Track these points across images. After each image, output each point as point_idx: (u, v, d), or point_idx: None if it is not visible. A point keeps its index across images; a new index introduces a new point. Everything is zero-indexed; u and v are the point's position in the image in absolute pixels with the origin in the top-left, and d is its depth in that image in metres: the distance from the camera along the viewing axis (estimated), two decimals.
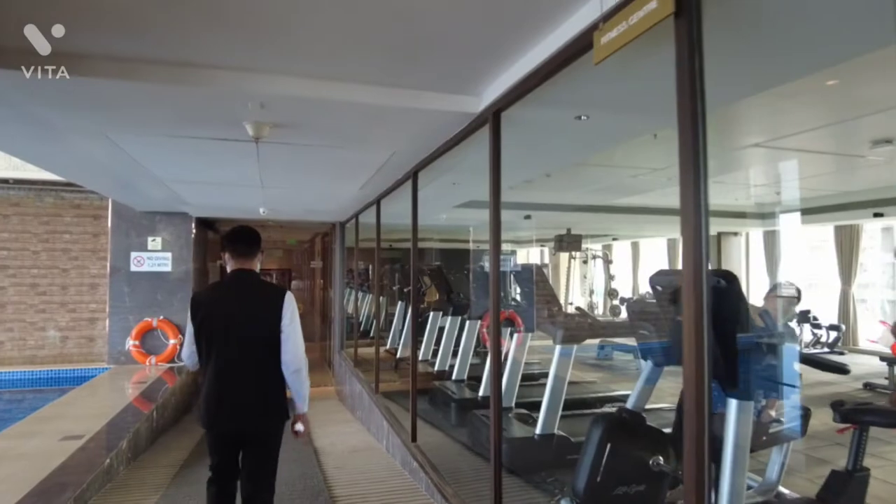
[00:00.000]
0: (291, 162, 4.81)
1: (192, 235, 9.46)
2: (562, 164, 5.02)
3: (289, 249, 19.52)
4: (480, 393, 5.52)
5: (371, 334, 10.43)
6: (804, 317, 10.54)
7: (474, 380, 6.31)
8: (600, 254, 17.93)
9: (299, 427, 3.00)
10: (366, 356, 8.91)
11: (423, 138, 3.85)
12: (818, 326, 10.57)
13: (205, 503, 2.97)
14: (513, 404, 5.07)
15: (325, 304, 14.00)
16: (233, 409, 2.80)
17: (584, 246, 12.07)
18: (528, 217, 10.07)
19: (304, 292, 19.36)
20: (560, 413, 4.38)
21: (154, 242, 9.31)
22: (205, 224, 10.37)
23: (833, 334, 10.67)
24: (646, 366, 3.39)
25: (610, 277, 17.71)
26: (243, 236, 3.01)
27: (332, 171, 5.27)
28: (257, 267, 3.04)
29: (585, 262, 19.03)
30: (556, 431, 4.31)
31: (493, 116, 3.08)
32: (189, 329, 2.88)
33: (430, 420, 5.71)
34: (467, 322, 6.62)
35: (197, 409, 3.14)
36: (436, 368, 6.70)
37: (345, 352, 9.93)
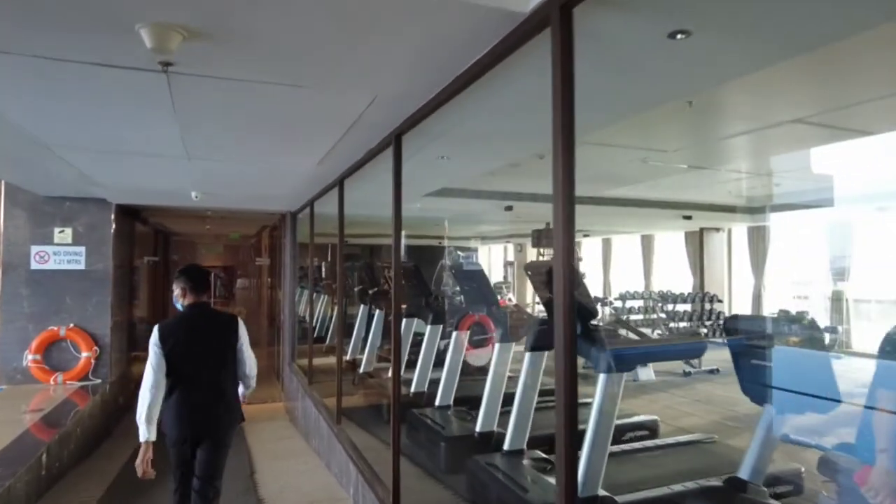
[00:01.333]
0: (224, 112, 3.43)
1: (113, 227, 7.86)
2: (637, 109, 3.72)
3: (234, 246, 17.77)
4: (479, 426, 4.26)
5: (327, 340, 9.04)
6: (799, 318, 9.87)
7: (464, 404, 5.06)
8: None
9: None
10: (321, 367, 7.56)
11: (427, 65, 2.56)
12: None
13: None
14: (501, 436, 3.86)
15: (273, 306, 12.46)
16: (201, 417, 3.34)
17: None
18: (509, 208, 8.91)
19: (251, 291, 17.65)
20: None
21: (62, 234, 7.66)
22: (129, 213, 8.73)
23: (829, 336, 10.02)
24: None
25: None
26: (200, 275, 3.62)
27: (284, 131, 3.92)
28: (206, 298, 3.62)
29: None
30: (599, 493, 3.12)
31: (560, 12, 1.84)
32: (155, 358, 3.27)
33: (410, 459, 4.44)
34: (454, 333, 5.34)
35: (161, 421, 3.31)
36: (412, 389, 5.40)
37: (296, 364, 8.50)
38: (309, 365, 7.07)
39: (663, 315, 11.68)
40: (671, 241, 14.96)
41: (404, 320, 6.50)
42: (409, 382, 5.83)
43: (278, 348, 10.57)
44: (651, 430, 5.13)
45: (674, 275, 14.34)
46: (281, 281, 9.74)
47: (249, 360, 3.56)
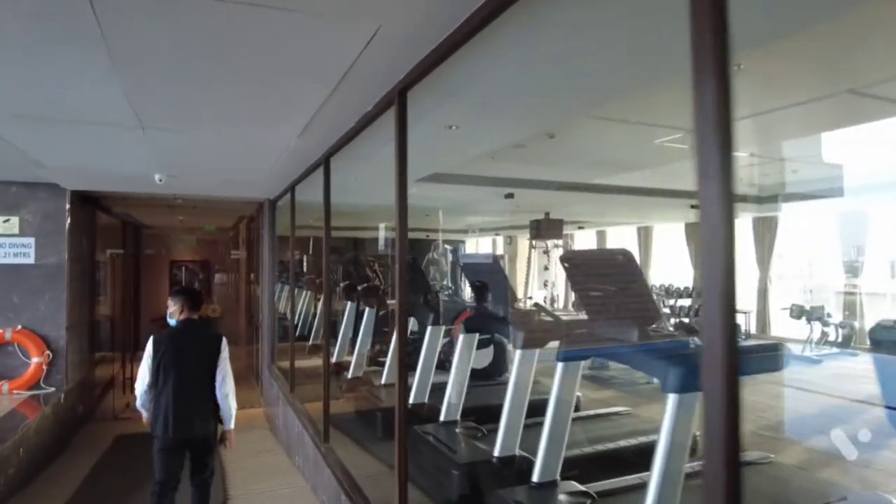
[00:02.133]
0: (173, 58, 2.65)
1: (68, 216, 6.98)
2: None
3: (210, 239, 16.80)
4: (498, 449, 3.53)
5: (310, 338, 8.26)
6: (817, 314, 9.37)
7: (472, 418, 4.34)
8: (561, 243, 16.35)
9: (231, 441, 4.13)
10: (304, 369, 6.81)
11: None
12: (827, 324, 9.42)
13: None
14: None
15: (251, 303, 11.62)
16: (187, 418, 3.78)
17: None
18: (509, 196, 8.18)
19: (228, 287, 16.73)
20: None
21: (7, 224, 6.77)
22: (89, 201, 7.83)
23: (843, 331, 9.55)
24: None
25: None
26: (195, 296, 4.27)
27: (256, 88, 3.14)
28: (197, 315, 4.10)
29: (546, 252, 17.44)
30: None
31: None
32: (147, 363, 3.84)
33: (412, 488, 3.69)
34: (461, 336, 4.60)
35: (153, 420, 3.83)
36: (410, 400, 4.66)
37: (276, 367, 7.71)
38: (291, 369, 6.29)
39: (667, 310, 11.10)
40: (670, 234, 14.41)
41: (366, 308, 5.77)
42: (407, 392, 5.11)
43: (257, 347, 9.76)
44: None
45: (671, 269, 13.77)
46: (259, 276, 8.92)
47: (226, 373, 3.96)
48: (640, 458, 3.03)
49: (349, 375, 6.40)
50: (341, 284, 8.09)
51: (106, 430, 7.56)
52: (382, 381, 5.58)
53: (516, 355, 3.61)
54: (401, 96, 2.85)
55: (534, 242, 16.35)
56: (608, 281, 2.90)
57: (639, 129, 4.85)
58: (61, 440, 6.63)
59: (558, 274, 16.66)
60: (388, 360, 5.69)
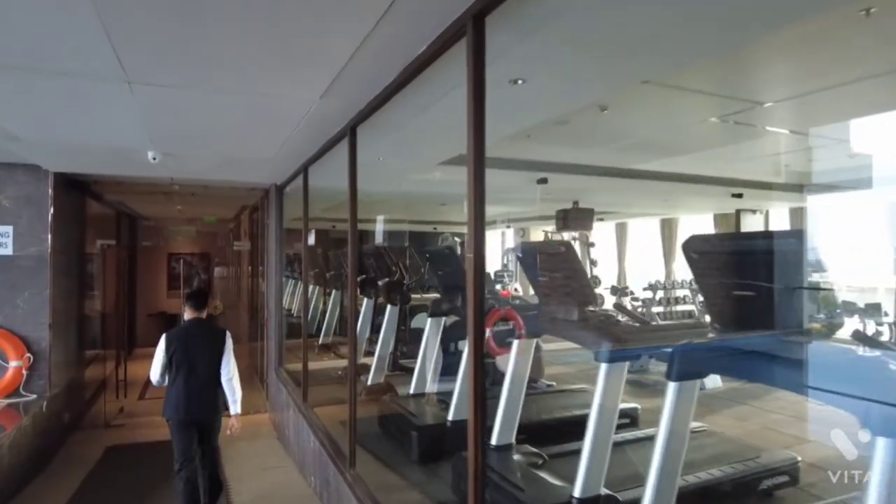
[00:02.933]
0: None
1: (52, 202, 6.21)
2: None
3: (210, 232, 15.98)
4: (579, 489, 2.76)
5: (320, 337, 7.50)
6: (873, 311, 8.64)
7: (523, 436, 3.59)
8: (577, 236, 15.62)
9: (234, 423, 4.48)
10: (316, 373, 6.09)
11: None
12: (881, 323, 8.69)
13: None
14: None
15: (253, 297, 10.84)
16: (195, 403, 4.29)
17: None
18: (542, 181, 7.40)
19: (229, 281, 15.93)
20: None
21: None
22: (76, 186, 7.05)
23: None
24: None
25: (592, 263, 15.44)
26: (200, 296, 4.67)
27: (270, 28, 2.39)
28: (205, 314, 4.60)
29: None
30: None
31: None
32: (161, 357, 4.31)
33: None
34: (514, 342, 3.85)
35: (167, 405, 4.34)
36: (450, 417, 3.91)
37: (284, 370, 6.97)
38: (304, 375, 5.52)
39: (699, 307, 10.36)
40: (694, 226, 13.68)
41: (429, 320, 5.00)
42: (442, 403, 4.37)
43: (261, 344, 9.01)
44: None
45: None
46: (265, 269, 8.15)
47: (230, 362, 4.43)
48: None
49: (369, 381, 5.65)
50: (357, 279, 7.34)
51: (95, 441, 6.81)
52: (411, 391, 4.84)
53: (602, 369, 2.87)
54: (477, 22, 2.08)
55: (549, 235, 15.61)
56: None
57: (699, 103, 4.18)
58: (42, 455, 5.88)
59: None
60: (416, 366, 4.92)
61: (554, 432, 4.14)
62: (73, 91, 3.28)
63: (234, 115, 3.75)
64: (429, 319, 4.93)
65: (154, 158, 4.93)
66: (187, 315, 4.51)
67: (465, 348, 4.28)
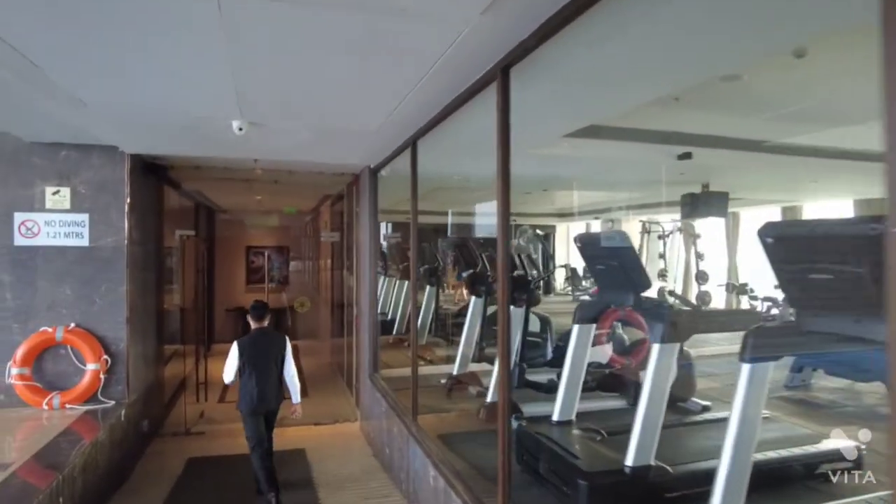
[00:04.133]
0: None
1: (128, 187, 5.58)
2: None
3: (286, 226, 15.47)
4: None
5: (394, 330, 6.60)
6: None
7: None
8: (681, 226, 14.10)
9: (296, 410, 5.23)
10: (429, 389, 5.26)
11: None
12: None
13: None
14: None
15: (335, 292, 10.12)
16: (265, 398, 4.95)
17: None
18: (685, 156, 6.21)
19: (306, 275, 15.38)
20: None
21: (57, 197, 5.43)
22: (153, 171, 6.42)
23: None
24: None
25: (698, 257, 13.94)
26: (261, 309, 5.24)
27: None
28: (266, 322, 5.24)
29: (661, 237, 15.28)
30: None
31: None
32: (234, 361, 4.96)
33: None
34: (575, 326, 2.90)
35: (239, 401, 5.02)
36: (629, 462, 2.87)
37: (380, 377, 6.11)
38: (413, 394, 4.56)
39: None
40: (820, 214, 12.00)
41: (576, 327, 3.97)
42: (599, 435, 3.34)
43: (347, 341, 8.22)
44: None
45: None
46: (355, 263, 7.33)
47: (290, 363, 5.15)
48: None
49: (488, 398, 4.70)
50: (462, 276, 6.47)
51: (176, 451, 6.19)
52: (556, 418, 3.83)
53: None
54: None
55: (648, 226, 14.20)
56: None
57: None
58: (120, 470, 5.25)
59: (679, 259, 14.43)
60: (562, 386, 3.92)
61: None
62: (166, 45, 2.43)
63: (348, 51, 2.80)
64: (575, 327, 3.91)
65: (240, 129, 4.12)
66: (252, 325, 5.17)
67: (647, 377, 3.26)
